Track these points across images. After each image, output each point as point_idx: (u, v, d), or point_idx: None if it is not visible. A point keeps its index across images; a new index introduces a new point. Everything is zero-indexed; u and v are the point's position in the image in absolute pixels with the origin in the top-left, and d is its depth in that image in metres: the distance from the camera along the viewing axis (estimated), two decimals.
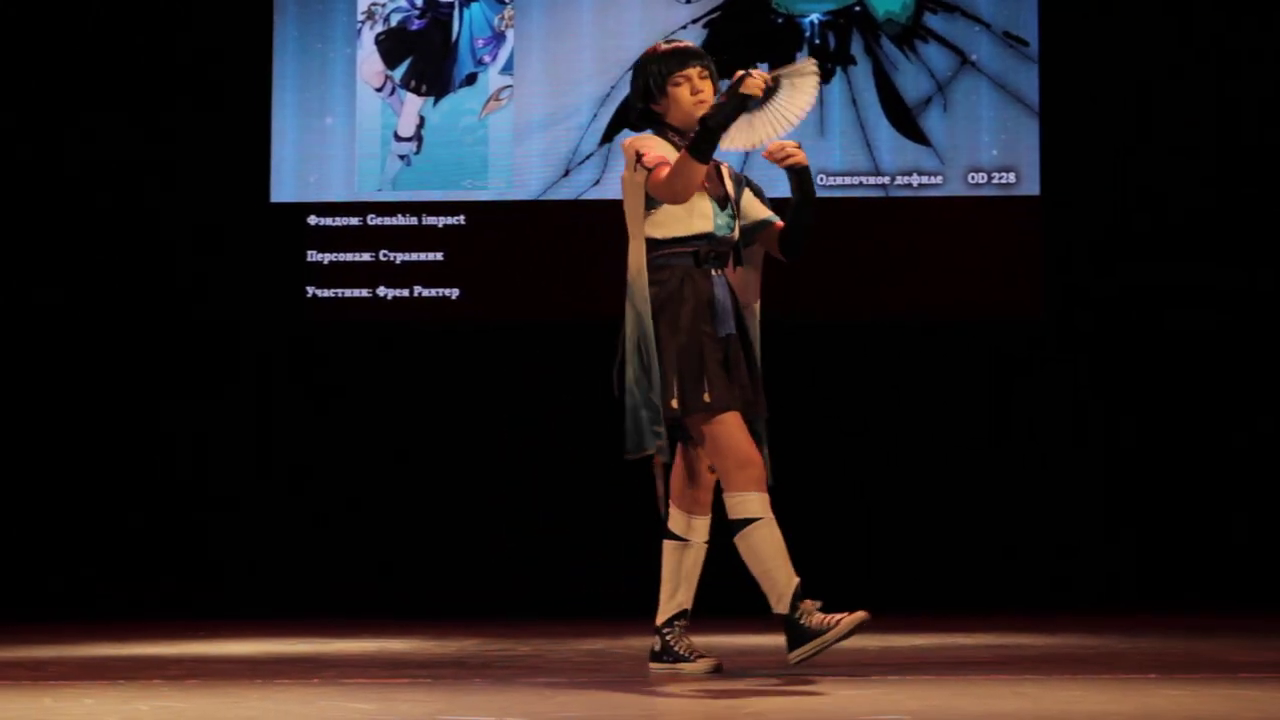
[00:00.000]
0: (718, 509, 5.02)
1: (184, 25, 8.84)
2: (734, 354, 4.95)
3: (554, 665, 5.49)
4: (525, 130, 8.70)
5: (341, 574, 8.69)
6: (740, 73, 4.80)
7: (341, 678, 5.09)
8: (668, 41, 5.04)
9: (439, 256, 8.69)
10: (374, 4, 8.79)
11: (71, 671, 5.32)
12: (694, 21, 8.68)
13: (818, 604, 4.87)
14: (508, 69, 8.73)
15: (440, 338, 8.77)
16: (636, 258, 4.95)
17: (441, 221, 8.70)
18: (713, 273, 4.96)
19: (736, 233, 5.03)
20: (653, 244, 4.96)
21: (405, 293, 8.69)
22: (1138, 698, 4.22)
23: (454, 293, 8.68)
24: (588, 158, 8.66)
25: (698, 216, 4.94)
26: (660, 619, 5.11)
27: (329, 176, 8.73)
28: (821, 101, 8.55)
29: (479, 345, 8.79)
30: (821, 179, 8.53)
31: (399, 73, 8.78)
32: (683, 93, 4.93)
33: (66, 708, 4.30)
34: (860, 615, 4.84)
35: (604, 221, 8.58)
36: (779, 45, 8.65)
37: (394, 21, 8.79)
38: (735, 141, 4.94)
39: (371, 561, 8.72)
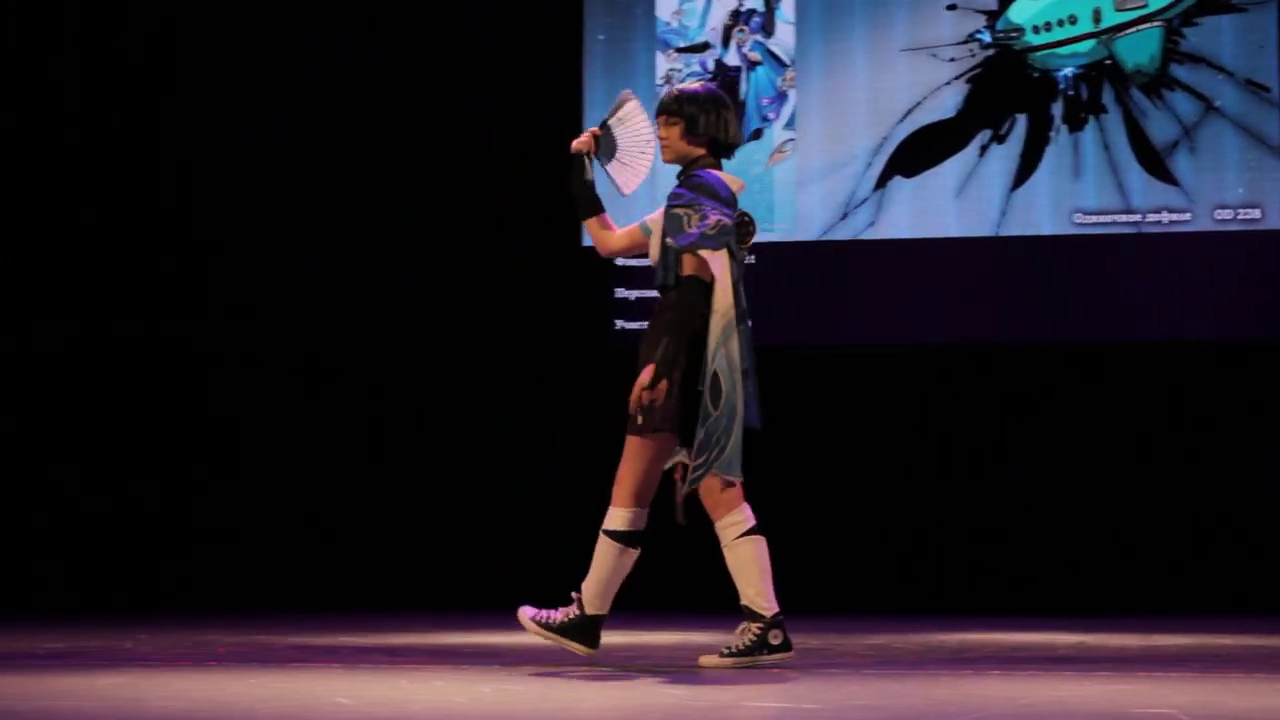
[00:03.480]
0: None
1: (507, 90, 9.03)
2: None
3: (843, 657, 5.49)
4: (807, 178, 8.71)
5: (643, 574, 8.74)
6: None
7: (653, 666, 5.14)
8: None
9: None
10: (671, 70, 8.88)
11: (422, 657, 5.46)
12: (957, 78, 8.60)
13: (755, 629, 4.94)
14: (790, 124, 8.75)
15: None
16: None
17: None
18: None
19: (659, 264, 5.03)
20: None
21: None
22: None
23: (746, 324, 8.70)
24: (863, 201, 8.63)
25: None
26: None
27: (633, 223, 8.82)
28: (1076, 147, 8.42)
29: (769, 371, 8.80)
30: (1077, 218, 8.40)
31: None
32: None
33: (420, 689, 4.42)
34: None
35: (880, 258, 8.61)
36: (1035, 97, 8.53)
37: None
38: (627, 184, 5.20)
39: (677, 561, 8.76)
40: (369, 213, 9.16)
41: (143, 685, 4.46)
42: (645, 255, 5.21)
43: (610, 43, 8.94)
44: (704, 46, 8.88)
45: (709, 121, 5.06)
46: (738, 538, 4.98)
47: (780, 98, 8.76)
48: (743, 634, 4.98)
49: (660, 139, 5.09)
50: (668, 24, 8.90)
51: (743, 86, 8.81)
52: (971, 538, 8.56)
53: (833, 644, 6.12)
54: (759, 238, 8.70)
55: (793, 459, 8.74)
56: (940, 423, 8.69)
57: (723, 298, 4.93)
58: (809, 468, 8.73)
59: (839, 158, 8.69)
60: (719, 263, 4.94)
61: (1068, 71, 8.52)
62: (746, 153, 8.76)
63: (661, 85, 8.85)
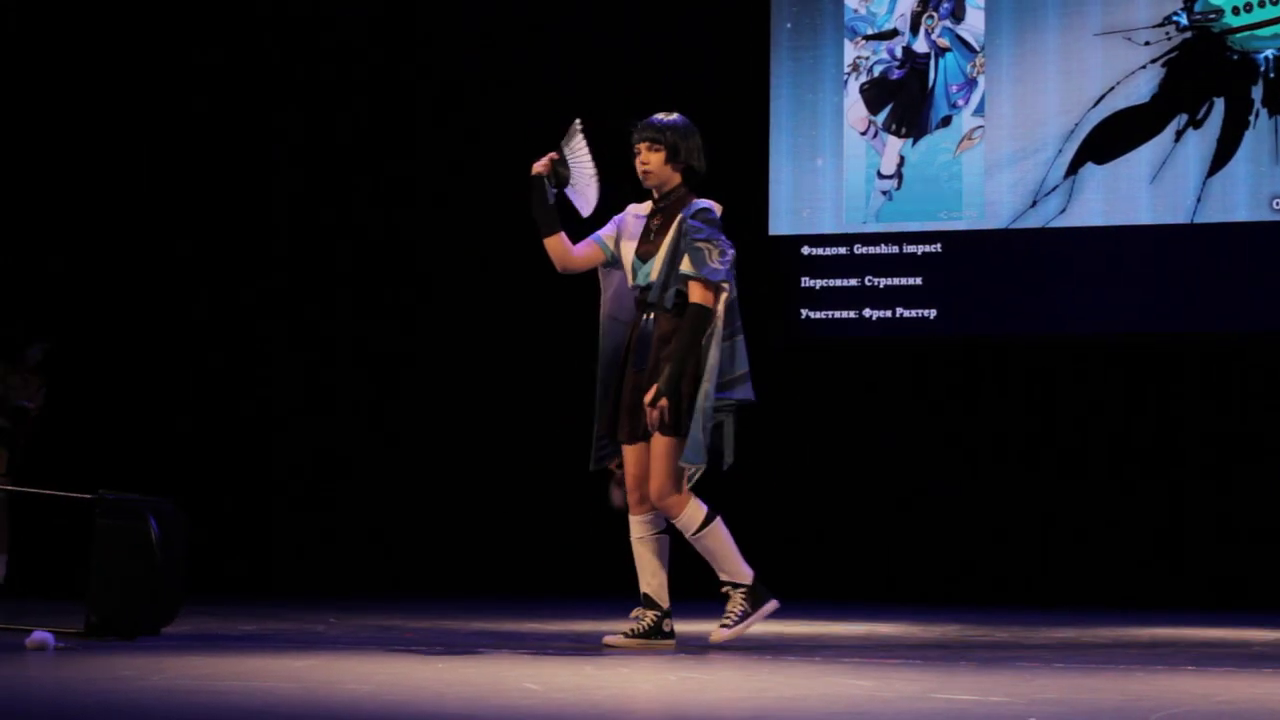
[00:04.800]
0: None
1: (693, 79, 9.03)
2: (642, 388, 5.28)
3: (1031, 650, 5.42)
4: (996, 165, 8.60)
5: (835, 561, 8.72)
6: None
7: (840, 656, 5.12)
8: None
9: (918, 281, 8.66)
10: (858, 57, 8.82)
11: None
12: (1153, 61, 8.43)
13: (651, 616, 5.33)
14: (979, 111, 8.64)
15: (920, 353, 8.74)
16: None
17: (920, 249, 8.67)
18: (643, 318, 5.35)
19: (657, 286, 5.29)
20: None
21: (888, 313, 8.69)
22: None
23: (932, 313, 8.64)
24: (1054, 189, 8.50)
25: (628, 277, 5.40)
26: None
27: (820, 211, 8.81)
28: (1276, 131, 8.20)
29: (956, 361, 8.74)
30: (1276, 204, 8.20)
31: (881, 117, 8.79)
32: (636, 164, 5.42)
33: (605, 675, 4.45)
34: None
35: (1070, 247, 8.48)
36: (1234, 80, 8.32)
37: (876, 72, 8.81)
38: (584, 208, 5.44)
39: (869, 550, 8.73)
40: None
41: (334, 667, 4.54)
42: (600, 267, 5.50)
43: (797, 31, 8.91)
44: (892, 33, 8.80)
45: (687, 150, 5.43)
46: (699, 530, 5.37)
47: (969, 84, 8.66)
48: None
49: (642, 164, 5.40)
50: (855, 11, 8.84)
51: (931, 73, 8.72)
52: (1163, 531, 8.40)
53: (1020, 637, 6.05)
54: (949, 225, 8.72)
55: (984, 448, 8.66)
56: (1135, 414, 8.53)
57: (719, 322, 5.33)
58: (1002, 457, 8.63)
59: (1029, 144, 8.57)
60: (727, 292, 5.33)
61: (1269, 53, 8.30)
62: (935, 140, 8.68)
63: (849, 72, 8.80)
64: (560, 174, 5.44)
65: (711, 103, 8.99)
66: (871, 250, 8.72)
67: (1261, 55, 8.31)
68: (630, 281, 5.41)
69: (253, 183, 9.29)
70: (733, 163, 8.91)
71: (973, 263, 8.62)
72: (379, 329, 9.36)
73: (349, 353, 9.35)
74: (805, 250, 8.79)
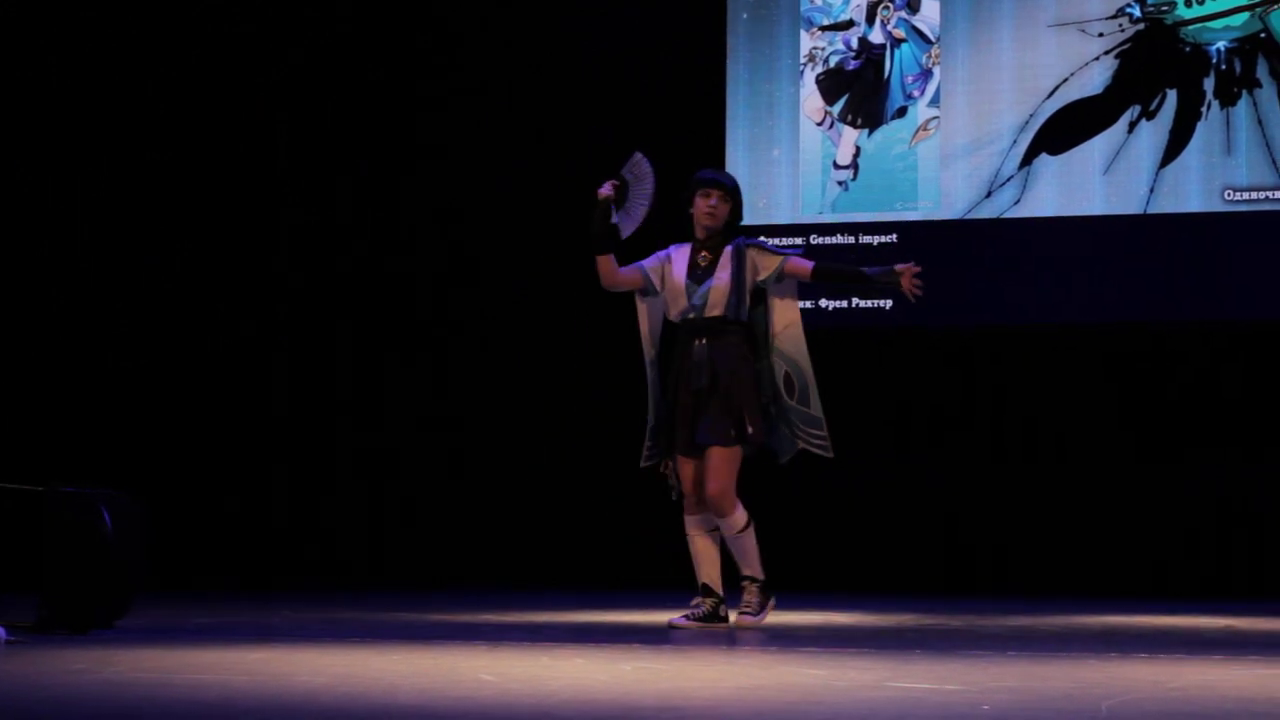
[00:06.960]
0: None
1: (650, 70, 9.02)
2: (701, 402, 5.89)
3: (985, 638, 5.43)
4: (951, 156, 8.62)
5: (789, 551, 8.72)
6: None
7: (795, 645, 5.13)
8: (710, 170, 6.24)
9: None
10: (815, 48, 8.83)
11: (563, 635, 5.49)
12: (1106, 53, 8.46)
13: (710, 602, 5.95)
14: (935, 102, 8.66)
15: (875, 343, 8.75)
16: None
17: (876, 240, 8.68)
18: (695, 342, 5.94)
19: (719, 308, 5.92)
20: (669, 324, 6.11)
21: (844, 304, 8.70)
22: None
23: (887, 304, 8.65)
24: (1008, 180, 8.52)
25: (672, 307, 6.02)
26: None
27: (777, 201, 8.80)
28: (1228, 122, 8.24)
29: (911, 351, 8.75)
30: (1228, 194, 8.23)
31: (837, 108, 8.79)
32: (699, 203, 6.05)
33: (561, 666, 4.44)
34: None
35: (1024, 238, 8.50)
36: (1187, 72, 8.36)
37: (832, 63, 8.81)
38: (626, 230, 6.01)
39: (823, 540, 8.75)
40: (509, 204, 9.21)
41: (288, 660, 4.52)
42: (637, 295, 6.08)
43: (754, 21, 8.90)
44: (848, 24, 8.81)
45: (740, 207, 6.19)
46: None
47: (925, 75, 8.67)
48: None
49: (711, 207, 6.03)
50: (812, 2, 8.84)
51: (887, 64, 8.73)
52: (1117, 520, 8.44)
53: (974, 625, 6.07)
54: (904, 216, 8.73)
55: (939, 437, 8.68)
56: (1087, 404, 8.57)
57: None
58: (957, 446, 8.65)
59: (984, 135, 8.58)
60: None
61: (1220, 45, 8.34)
62: (890, 130, 8.69)
63: (805, 63, 8.80)
64: (620, 198, 6.01)
65: (668, 93, 9.00)
66: (827, 241, 8.73)
67: (1213, 47, 8.35)
68: (681, 304, 5.95)
69: (253, 170, 9.20)
70: (689, 153, 8.89)
71: (928, 253, 8.59)
72: (366, 327, 9.32)
73: (325, 350, 9.31)
74: (762, 240, 8.77)
